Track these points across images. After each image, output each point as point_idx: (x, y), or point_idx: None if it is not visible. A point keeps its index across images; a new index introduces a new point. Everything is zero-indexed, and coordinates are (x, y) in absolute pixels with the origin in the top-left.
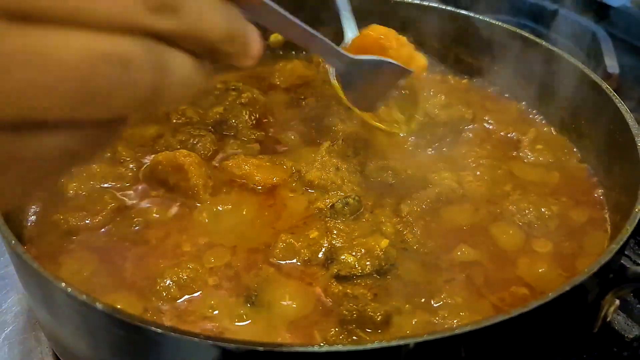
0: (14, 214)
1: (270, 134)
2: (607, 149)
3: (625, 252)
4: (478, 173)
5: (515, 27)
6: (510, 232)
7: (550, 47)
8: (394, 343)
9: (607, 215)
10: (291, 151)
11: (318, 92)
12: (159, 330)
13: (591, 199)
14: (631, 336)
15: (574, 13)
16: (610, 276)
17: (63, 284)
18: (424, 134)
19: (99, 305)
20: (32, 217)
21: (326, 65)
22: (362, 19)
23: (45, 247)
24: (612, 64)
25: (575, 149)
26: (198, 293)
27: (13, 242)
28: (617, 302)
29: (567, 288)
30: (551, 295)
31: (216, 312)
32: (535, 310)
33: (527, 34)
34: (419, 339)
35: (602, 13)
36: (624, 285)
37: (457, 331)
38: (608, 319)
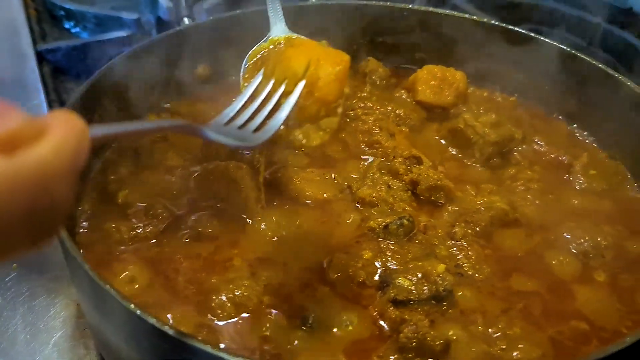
0: (66, 221)
1: (318, 147)
2: None
3: None
4: (529, 197)
5: (567, 45)
6: (566, 261)
7: (603, 67)
8: None
9: None
10: (340, 165)
11: (365, 104)
12: (209, 350)
13: None
14: None
15: (616, 27)
16: None
17: (128, 303)
18: (473, 152)
19: (170, 331)
20: (84, 223)
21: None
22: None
23: (98, 256)
24: None
25: (629, 176)
26: (253, 311)
27: (75, 253)
28: None
29: None
30: (629, 340)
31: (272, 332)
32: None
33: (579, 54)
34: None
35: None
36: None
37: None
38: None
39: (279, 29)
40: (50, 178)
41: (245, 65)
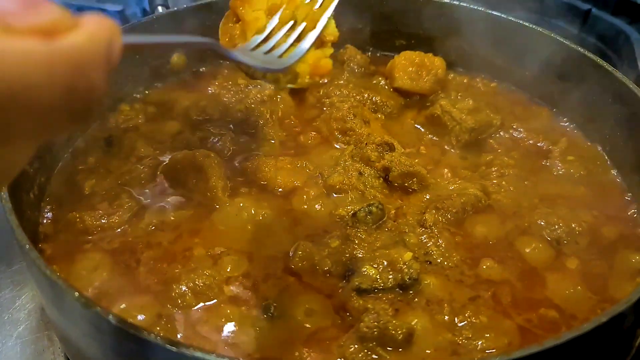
0: (30, 211)
1: (292, 134)
2: None
3: None
4: (504, 183)
5: (547, 30)
6: (539, 248)
7: (586, 53)
8: None
9: None
10: (313, 153)
11: (341, 92)
12: (168, 346)
13: (624, 215)
14: None
15: (606, 14)
16: None
17: (77, 294)
18: (449, 139)
19: (111, 318)
20: (49, 214)
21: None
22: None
23: (61, 246)
24: None
25: (608, 162)
26: (214, 301)
27: (27, 246)
28: None
29: (604, 319)
30: (587, 326)
31: (232, 322)
32: (570, 342)
33: (559, 38)
34: None
35: (636, 15)
36: None
37: None
38: None
39: None
40: (85, 63)
41: None
